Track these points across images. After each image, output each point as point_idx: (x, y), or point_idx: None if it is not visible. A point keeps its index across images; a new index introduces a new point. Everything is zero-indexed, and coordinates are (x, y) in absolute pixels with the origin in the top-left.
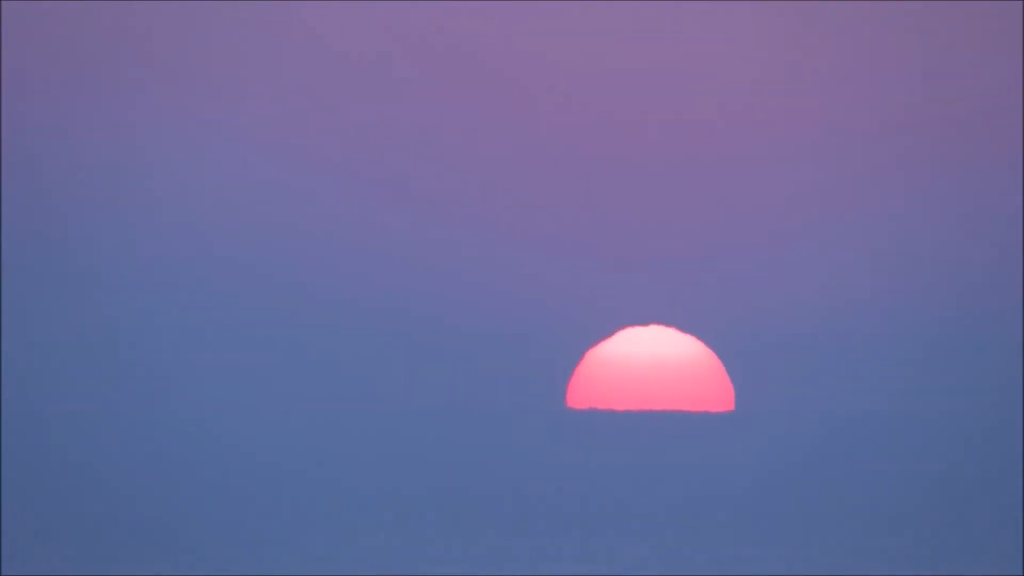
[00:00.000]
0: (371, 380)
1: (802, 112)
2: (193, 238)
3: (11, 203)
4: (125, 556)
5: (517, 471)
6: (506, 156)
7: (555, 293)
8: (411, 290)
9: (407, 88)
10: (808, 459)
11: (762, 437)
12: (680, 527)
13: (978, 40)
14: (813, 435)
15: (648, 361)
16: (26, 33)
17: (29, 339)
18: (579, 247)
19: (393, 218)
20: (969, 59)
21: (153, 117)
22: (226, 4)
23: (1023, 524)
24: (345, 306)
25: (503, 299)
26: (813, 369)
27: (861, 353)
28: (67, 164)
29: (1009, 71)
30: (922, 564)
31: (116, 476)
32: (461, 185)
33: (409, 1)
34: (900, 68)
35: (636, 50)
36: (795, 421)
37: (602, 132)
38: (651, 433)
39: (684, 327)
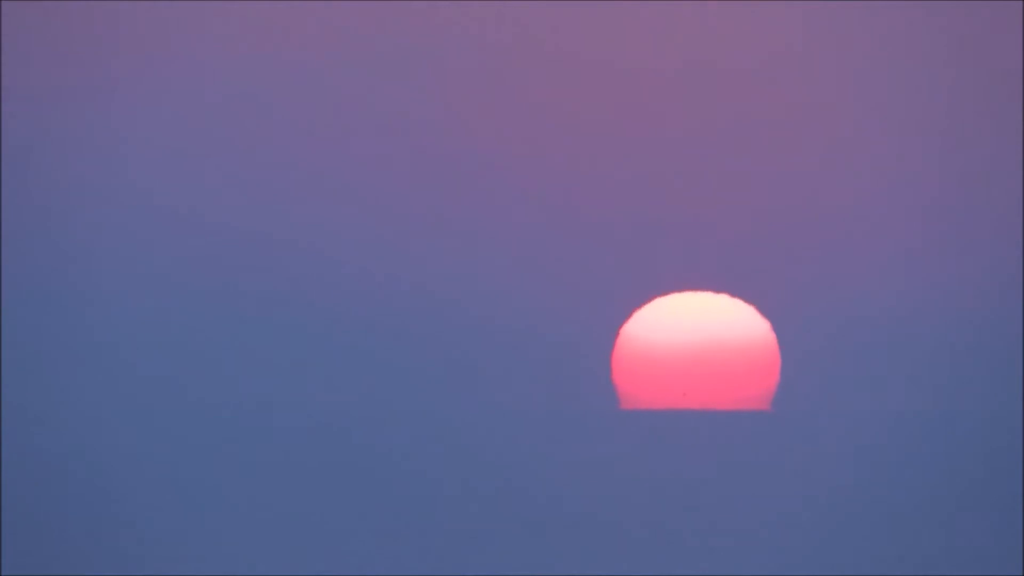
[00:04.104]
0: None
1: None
2: (195, 239)
3: (10, 202)
4: (125, 556)
5: (566, 474)
6: (530, 142)
7: (597, 259)
8: (419, 290)
9: (424, 81)
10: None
11: (797, 442)
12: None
13: None
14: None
15: (691, 345)
16: (26, 33)
17: (29, 339)
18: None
19: (397, 219)
20: None
21: (151, 115)
22: (223, 4)
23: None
24: (351, 306)
25: (534, 277)
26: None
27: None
28: (65, 162)
29: None
30: (928, 564)
31: (117, 476)
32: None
33: (407, 1)
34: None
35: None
36: (840, 425)
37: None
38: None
39: (742, 295)
